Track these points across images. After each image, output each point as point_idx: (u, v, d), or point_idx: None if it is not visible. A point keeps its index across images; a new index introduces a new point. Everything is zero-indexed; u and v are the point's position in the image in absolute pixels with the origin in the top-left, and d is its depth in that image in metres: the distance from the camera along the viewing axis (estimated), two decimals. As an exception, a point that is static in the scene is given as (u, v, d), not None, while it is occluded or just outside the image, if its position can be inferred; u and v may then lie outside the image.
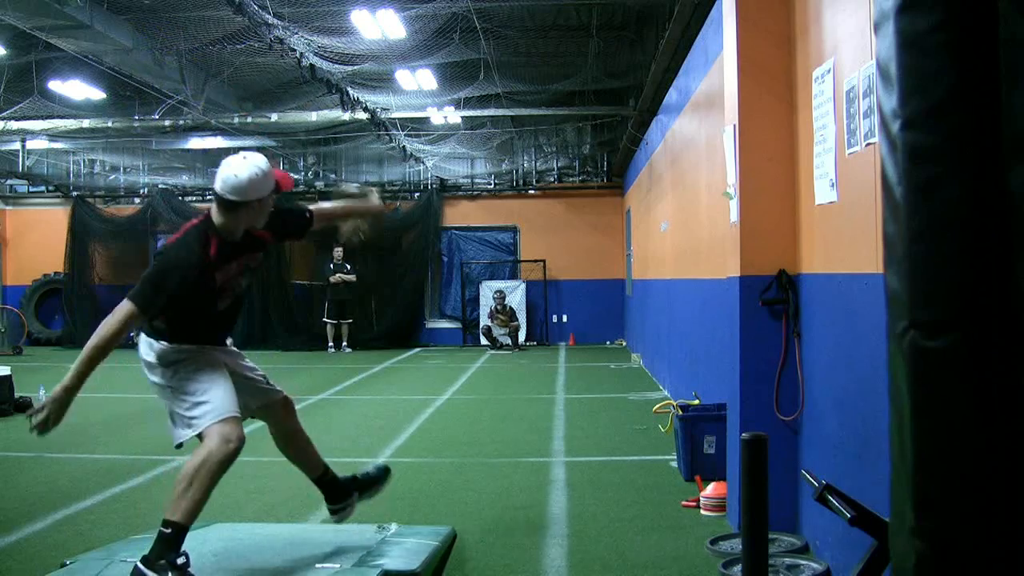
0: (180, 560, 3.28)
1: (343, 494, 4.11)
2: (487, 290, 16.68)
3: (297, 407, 4.20)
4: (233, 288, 3.66)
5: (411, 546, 3.83)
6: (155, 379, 3.63)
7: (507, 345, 15.94)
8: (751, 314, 4.38)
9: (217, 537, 4.02)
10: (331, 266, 16.19)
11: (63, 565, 3.68)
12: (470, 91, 12.11)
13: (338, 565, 3.55)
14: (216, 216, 3.54)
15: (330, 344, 15.98)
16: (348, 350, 15.96)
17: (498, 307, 16.23)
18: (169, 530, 3.29)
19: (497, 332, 16.15)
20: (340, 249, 16.29)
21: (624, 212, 16.43)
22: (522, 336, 16.62)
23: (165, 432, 3.66)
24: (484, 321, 16.44)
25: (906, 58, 1.45)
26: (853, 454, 3.53)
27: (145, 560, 3.27)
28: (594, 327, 17.01)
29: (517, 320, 16.31)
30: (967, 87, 1.40)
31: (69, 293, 17.32)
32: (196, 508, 3.34)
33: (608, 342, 16.89)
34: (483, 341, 16.30)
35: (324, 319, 16.12)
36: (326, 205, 4.19)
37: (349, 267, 16.21)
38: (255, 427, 7.78)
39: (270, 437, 7.28)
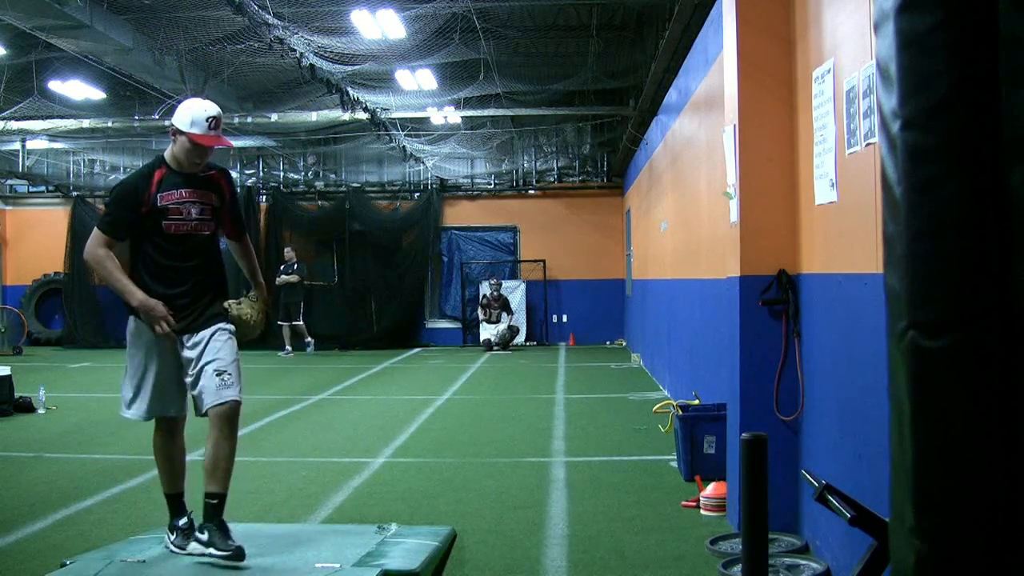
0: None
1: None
2: (487, 283, 16.61)
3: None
4: (184, 216, 3.85)
5: (411, 546, 3.83)
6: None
7: (498, 345, 15.84)
8: (751, 314, 4.38)
9: (217, 537, 4.01)
10: (281, 268, 15.89)
11: (63, 565, 3.68)
12: (470, 91, 12.11)
13: (338, 565, 3.55)
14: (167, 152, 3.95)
15: (306, 341, 15.57)
16: (287, 353, 15.28)
17: (494, 293, 16.14)
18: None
19: (488, 332, 16.03)
20: (289, 249, 16.01)
21: (624, 212, 16.43)
22: (521, 336, 16.56)
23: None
24: (483, 334, 16.17)
25: (906, 58, 1.45)
26: (853, 454, 3.54)
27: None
28: (594, 327, 17.01)
29: (511, 310, 16.13)
30: (967, 87, 1.40)
31: (69, 293, 17.33)
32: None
33: (608, 342, 16.90)
34: (483, 337, 16.18)
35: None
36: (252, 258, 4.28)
37: (296, 267, 15.78)
38: (255, 427, 7.81)
39: (266, 438, 7.26)
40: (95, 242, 3.80)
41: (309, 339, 15.62)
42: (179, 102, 4.12)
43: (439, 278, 17.75)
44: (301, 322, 15.61)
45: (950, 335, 1.41)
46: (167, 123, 4.10)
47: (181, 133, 3.83)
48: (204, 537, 3.73)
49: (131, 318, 3.87)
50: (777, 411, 4.32)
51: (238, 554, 3.62)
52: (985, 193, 1.39)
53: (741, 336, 4.45)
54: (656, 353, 11.27)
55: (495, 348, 15.79)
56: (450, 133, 15.44)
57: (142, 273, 3.84)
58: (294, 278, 15.62)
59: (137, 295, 3.75)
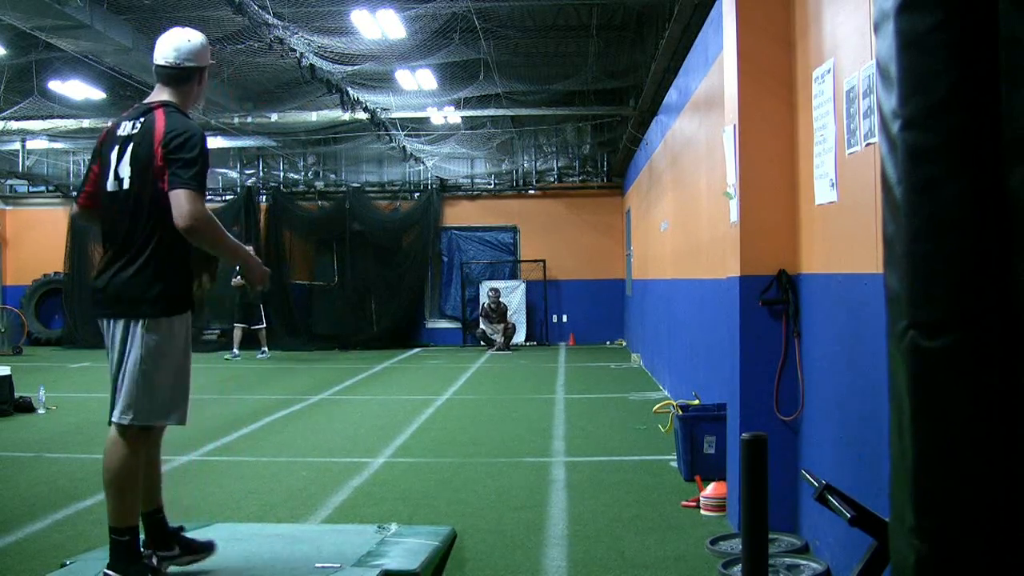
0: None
1: (166, 542, 3.51)
2: (487, 290, 16.66)
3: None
4: None
5: (411, 546, 3.83)
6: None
7: (501, 345, 15.86)
8: (751, 314, 4.38)
9: (217, 537, 4.01)
10: (237, 268, 15.51)
11: (63, 565, 3.68)
12: (470, 91, 12.12)
13: (338, 565, 3.55)
14: (172, 96, 3.44)
15: (235, 351, 14.83)
16: (234, 355, 14.71)
17: (492, 305, 16.19)
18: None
19: (491, 331, 16.10)
20: (251, 248, 15.65)
21: (624, 212, 16.44)
22: (521, 336, 16.61)
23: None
24: (481, 324, 16.31)
25: (906, 58, 1.45)
26: (853, 454, 3.54)
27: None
28: (594, 327, 17.02)
29: (508, 322, 16.21)
30: (967, 87, 1.40)
31: (69, 293, 17.33)
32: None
33: (608, 342, 16.90)
34: (481, 343, 16.28)
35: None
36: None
37: None
38: (255, 427, 7.81)
39: (266, 438, 7.22)
40: (199, 201, 3.20)
41: (264, 349, 14.95)
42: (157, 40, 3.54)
43: (439, 278, 17.76)
44: (264, 325, 15.03)
45: (950, 335, 1.41)
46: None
47: (206, 68, 3.51)
48: (174, 552, 3.50)
49: (184, 316, 3.39)
50: (777, 411, 4.32)
51: (211, 545, 3.58)
52: (985, 193, 1.39)
53: (741, 336, 4.45)
54: (656, 353, 11.27)
55: (496, 348, 15.82)
56: (450, 133, 15.44)
57: (185, 258, 3.36)
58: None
59: (250, 250, 3.53)
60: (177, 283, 3.38)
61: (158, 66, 3.45)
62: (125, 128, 3.38)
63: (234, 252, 3.42)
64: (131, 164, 3.31)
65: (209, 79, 3.70)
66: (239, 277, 14.84)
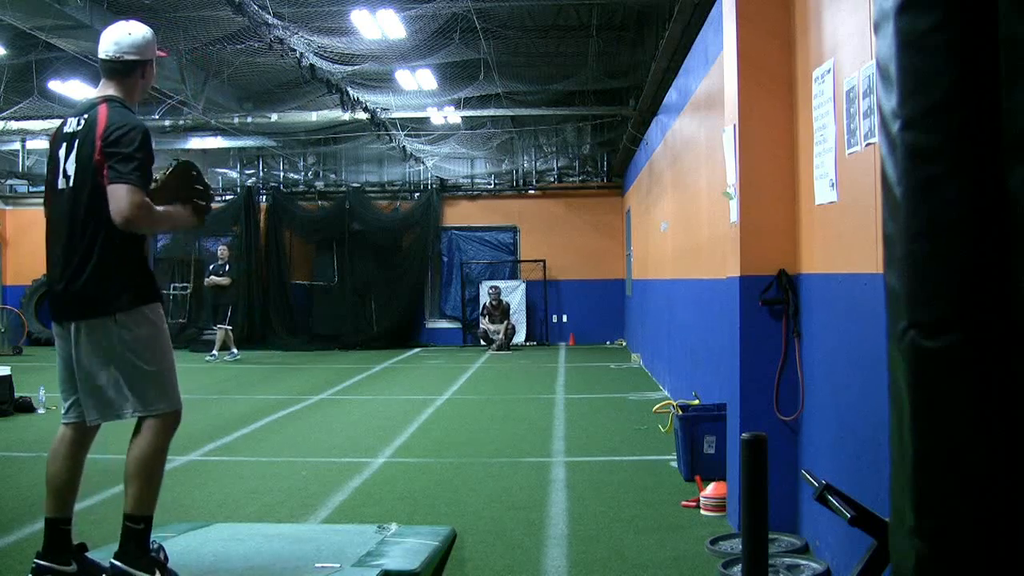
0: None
1: (64, 556, 3.38)
2: (487, 289, 16.66)
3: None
4: None
5: (411, 546, 3.83)
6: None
7: (502, 344, 15.87)
8: (751, 314, 4.38)
9: (217, 537, 4.02)
10: (210, 267, 14.92)
11: (63, 565, 3.67)
12: (470, 91, 12.12)
13: (338, 565, 3.55)
14: (116, 90, 3.43)
15: (232, 351, 14.54)
16: (232, 356, 14.45)
17: (494, 303, 16.20)
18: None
19: (492, 330, 16.12)
20: (224, 247, 15.14)
21: (624, 212, 16.44)
22: (521, 336, 16.62)
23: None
24: (482, 324, 16.36)
25: (906, 58, 1.45)
26: (853, 454, 3.54)
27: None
28: (594, 327, 17.02)
29: (510, 321, 16.23)
30: (967, 87, 1.40)
31: (69, 293, 17.29)
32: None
33: (608, 342, 16.90)
34: (482, 342, 16.30)
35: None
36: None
37: (228, 267, 14.73)
38: (255, 427, 7.80)
39: (266, 438, 7.22)
40: (137, 194, 3.17)
41: (215, 353, 14.39)
42: (103, 32, 3.49)
43: (439, 278, 17.76)
44: (228, 326, 14.50)
45: (950, 335, 1.41)
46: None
47: (151, 61, 3.50)
48: (71, 568, 3.36)
49: (155, 305, 3.38)
50: (777, 411, 4.32)
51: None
52: (985, 193, 1.39)
53: (741, 336, 4.45)
54: (656, 353, 11.27)
55: (496, 347, 15.82)
56: (450, 133, 15.44)
57: (137, 248, 3.34)
58: (225, 280, 14.47)
59: (187, 211, 3.43)
60: (137, 273, 3.37)
61: (100, 60, 3.44)
62: (71, 125, 3.37)
63: (172, 222, 3.44)
64: (76, 161, 3.30)
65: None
66: (212, 277, 14.60)
